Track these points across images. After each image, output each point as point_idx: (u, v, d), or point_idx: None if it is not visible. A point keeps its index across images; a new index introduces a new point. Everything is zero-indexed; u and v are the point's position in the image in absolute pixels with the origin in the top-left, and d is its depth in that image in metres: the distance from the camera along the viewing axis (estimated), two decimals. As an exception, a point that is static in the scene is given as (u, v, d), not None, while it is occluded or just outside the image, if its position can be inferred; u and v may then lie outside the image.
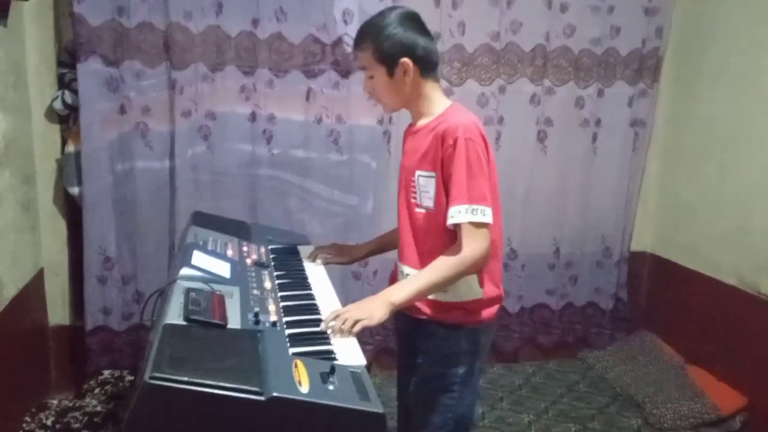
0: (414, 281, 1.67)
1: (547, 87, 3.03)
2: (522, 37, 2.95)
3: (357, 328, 1.54)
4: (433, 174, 1.65)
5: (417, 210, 1.71)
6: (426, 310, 1.71)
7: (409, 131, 1.79)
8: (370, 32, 1.68)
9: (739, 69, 2.84)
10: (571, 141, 3.12)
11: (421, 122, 1.73)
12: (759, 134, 2.73)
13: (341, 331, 1.52)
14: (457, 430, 1.77)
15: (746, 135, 2.80)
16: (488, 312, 1.73)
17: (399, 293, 1.63)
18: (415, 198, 1.71)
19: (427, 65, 1.70)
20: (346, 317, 1.55)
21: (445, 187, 1.63)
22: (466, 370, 1.74)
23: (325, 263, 2.05)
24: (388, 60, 1.66)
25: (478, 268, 1.65)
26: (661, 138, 3.27)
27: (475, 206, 1.57)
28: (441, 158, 1.62)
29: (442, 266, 1.62)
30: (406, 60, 1.65)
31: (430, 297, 1.69)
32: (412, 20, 1.69)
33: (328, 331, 1.53)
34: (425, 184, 1.67)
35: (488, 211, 1.59)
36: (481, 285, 1.69)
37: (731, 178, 2.88)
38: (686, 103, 3.15)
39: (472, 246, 1.59)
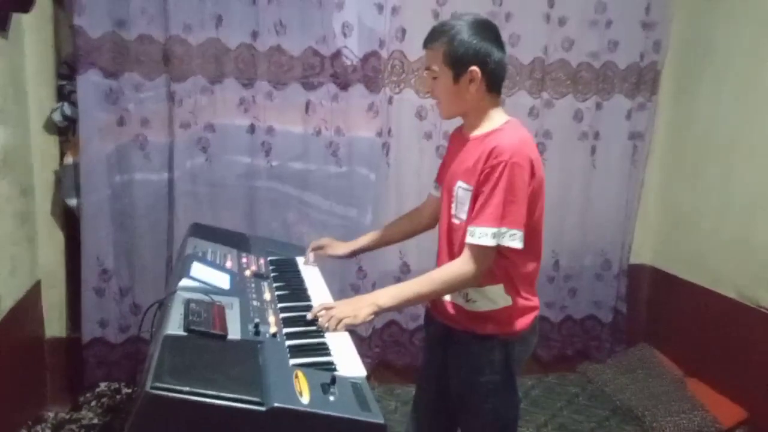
0: (405, 288, 1.70)
1: (545, 100, 3.04)
2: (521, 51, 2.96)
3: (340, 327, 1.59)
4: (471, 188, 1.64)
5: (453, 220, 1.72)
6: (460, 320, 1.73)
7: (461, 137, 1.75)
8: (446, 33, 1.63)
9: (739, 78, 2.85)
10: (569, 154, 3.13)
11: (474, 133, 1.70)
12: (761, 143, 2.72)
13: (326, 329, 1.58)
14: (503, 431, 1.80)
15: (748, 144, 2.79)
16: (521, 322, 1.72)
17: (387, 298, 1.66)
18: (452, 207, 1.71)
19: (495, 79, 1.66)
20: (332, 315, 1.60)
21: (473, 202, 1.62)
22: (501, 377, 1.73)
23: (320, 256, 2.06)
24: (458, 65, 1.62)
25: (470, 286, 1.67)
26: (663, 149, 3.27)
27: (513, 231, 1.57)
28: (479, 174, 1.60)
29: (437, 280, 1.65)
30: (475, 69, 1.62)
31: (464, 308, 1.71)
32: (490, 30, 1.66)
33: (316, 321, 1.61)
34: (463, 197, 1.66)
35: (520, 234, 1.58)
36: (509, 293, 1.69)
37: (733, 189, 2.87)
38: (687, 114, 3.15)
39: (476, 266, 1.60)
